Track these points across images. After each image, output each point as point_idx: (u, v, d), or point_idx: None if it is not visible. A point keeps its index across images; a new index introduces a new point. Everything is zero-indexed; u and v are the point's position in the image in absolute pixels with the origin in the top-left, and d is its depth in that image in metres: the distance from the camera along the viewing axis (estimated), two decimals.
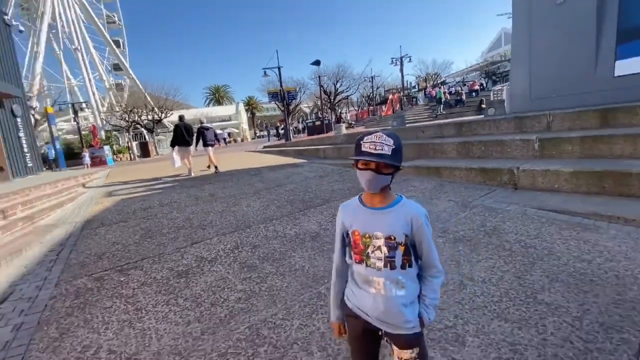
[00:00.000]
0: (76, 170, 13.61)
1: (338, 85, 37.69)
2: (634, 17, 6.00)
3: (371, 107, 39.08)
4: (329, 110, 37.66)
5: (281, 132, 25.11)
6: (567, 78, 6.84)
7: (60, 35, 36.17)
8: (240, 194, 5.70)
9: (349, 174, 6.68)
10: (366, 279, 1.05)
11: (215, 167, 9.03)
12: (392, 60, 32.04)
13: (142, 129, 32.53)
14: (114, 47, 40.82)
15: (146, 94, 33.88)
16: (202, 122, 9.62)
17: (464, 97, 22.17)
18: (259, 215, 4.28)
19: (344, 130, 15.49)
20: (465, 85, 27.23)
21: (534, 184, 4.07)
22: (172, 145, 8.84)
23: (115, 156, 27.08)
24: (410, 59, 31.20)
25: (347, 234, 1.11)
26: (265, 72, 20.32)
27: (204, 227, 4.03)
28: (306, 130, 24.55)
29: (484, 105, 14.54)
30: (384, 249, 1.01)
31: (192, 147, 9.22)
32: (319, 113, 36.15)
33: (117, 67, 42.38)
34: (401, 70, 31.51)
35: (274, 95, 23.92)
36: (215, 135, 9.84)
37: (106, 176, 11.38)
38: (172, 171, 9.34)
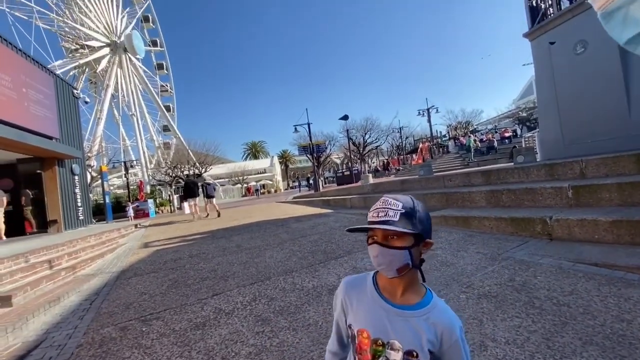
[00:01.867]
0: (119, 223, 14.73)
1: (367, 136, 38.88)
2: None
3: (401, 157, 39.30)
4: (359, 161, 38.43)
5: (311, 182, 25.88)
6: (599, 123, 6.62)
7: (120, 103, 41.83)
8: (265, 245, 5.81)
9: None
10: None
11: (218, 213, 11.99)
12: (419, 112, 32.85)
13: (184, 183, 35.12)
14: (165, 111, 46.12)
15: (189, 150, 37.09)
16: (205, 180, 12.29)
17: (495, 144, 21.74)
18: (280, 267, 4.31)
19: (371, 180, 15.58)
20: (497, 132, 26.83)
21: (570, 234, 3.78)
22: (184, 197, 11.59)
23: (157, 208, 28.98)
24: (437, 110, 31.79)
25: (350, 327, 0.85)
26: (295, 128, 21.67)
27: (227, 278, 4.12)
28: (335, 180, 25.03)
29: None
30: None
31: (197, 198, 12.02)
32: (349, 163, 37.00)
33: (166, 129, 47.39)
34: (429, 120, 32.02)
35: (304, 149, 25.14)
36: (214, 188, 12.74)
37: (142, 235, 12.16)
38: (200, 226, 9.80)
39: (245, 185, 49.38)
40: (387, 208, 0.76)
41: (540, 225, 4.10)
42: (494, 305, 2.48)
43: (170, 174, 33.31)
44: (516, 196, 5.16)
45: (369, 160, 46.24)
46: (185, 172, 33.73)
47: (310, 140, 22.53)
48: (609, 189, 4.07)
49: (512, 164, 8.80)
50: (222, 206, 22.22)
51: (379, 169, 34.97)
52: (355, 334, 0.81)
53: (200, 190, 11.95)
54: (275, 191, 49.34)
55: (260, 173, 55.65)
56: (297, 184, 37.12)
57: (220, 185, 47.91)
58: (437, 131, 41.10)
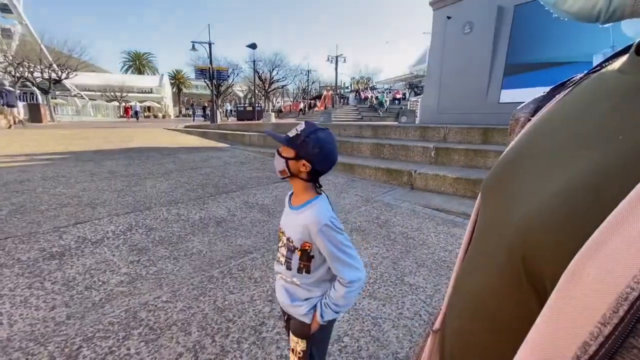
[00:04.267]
0: None
1: (274, 73, 37.04)
2: (519, 55, 7.29)
3: (305, 101, 39.48)
4: (263, 98, 36.79)
5: (208, 112, 23.60)
6: (465, 99, 7.98)
7: None
8: (147, 174, 5.23)
9: (271, 162, 6.68)
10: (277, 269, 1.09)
11: (18, 122, 10.98)
12: (329, 58, 32.80)
13: (34, 89, 26.94)
14: None
15: (43, 46, 28.12)
16: (3, 85, 10.62)
17: (387, 103, 23.99)
18: (163, 198, 4.00)
19: (273, 119, 15.34)
20: (390, 92, 29.44)
21: (426, 185, 4.68)
22: None
23: None
24: (345, 60, 32.34)
25: None
26: (194, 45, 18.75)
27: (95, 206, 3.60)
28: (236, 115, 23.54)
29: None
30: (284, 249, 1.02)
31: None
32: (252, 98, 35.07)
33: (5, 8, 34.00)
34: (336, 69, 32.47)
35: (202, 72, 22.30)
36: (16, 96, 11.56)
37: None
38: (56, 144, 8.04)
39: (123, 104, 41.07)
40: (295, 130, 0.96)
41: (407, 177, 4.91)
42: (361, 237, 2.95)
43: (13, 74, 25.01)
44: (394, 150, 5.97)
45: (274, 98, 44.76)
46: (37, 75, 25.86)
47: (211, 63, 20.00)
48: (459, 153, 5.11)
49: (397, 122, 9.96)
50: (93, 126, 18.54)
51: (283, 110, 34.42)
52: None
53: None
54: (164, 116, 43.04)
55: (146, 92, 47.07)
56: (191, 112, 33.06)
57: (90, 99, 38.95)
58: (341, 81, 42.34)
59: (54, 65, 26.83)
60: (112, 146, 8.35)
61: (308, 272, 0.99)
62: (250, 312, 1.84)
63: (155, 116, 42.11)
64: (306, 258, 0.97)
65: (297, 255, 0.98)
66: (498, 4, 7.37)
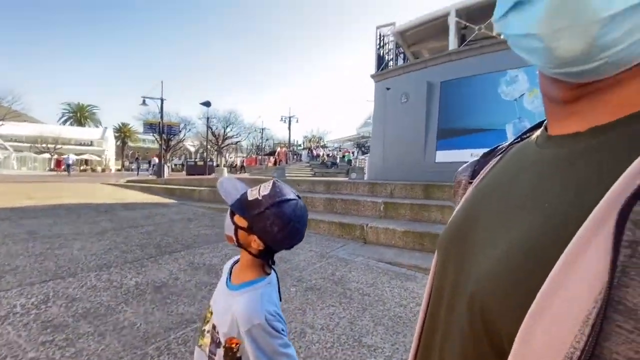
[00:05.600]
0: None
1: (228, 129, 37.52)
2: (448, 122, 8.39)
3: (259, 157, 39.98)
4: (215, 153, 36.50)
5: (154, 166, 22.50)
6: (406, 158, 8.77)
7: None
8: (75, 234, 4.63)
9: (223, 219, 6.40)
10: None
11: None
12: (282, 118, 34.50)
13: None
14: None
15: None
16: None
17: (338, 160, 25.37)
18: (93, 261, 3.52)
19: (225, 174, 15.09)
20: (340, 151, 31.32)
21: (377, 239, 4.79)
22: None
23: None
24: (297, 120, 34.28)
25: None
26: (144, 100, 18.50)
27: (3, 274, 3.03)
28: (185, 169, 22.74)
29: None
30: (208, 337, 0.81)
31: None
32: (204, 153, 34.56)
33: None
34: (289, 128, 34.10)
35: (151, 127, 21.76)
36: None
37: None
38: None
39: (55, 156, 37.40)
40: (251, 190, 0.82)
41: (359, 231, 5.02)
42: (316, 296, 2.84)
43: None
44: (346, 205, 6.15)
45: (227, 154, 44.63)
46: None
47: (162, 118, 19.69)
48: (405, 207, 5.43)
49: (347, 178, 10.44)
50: (15, 180, 16.52)
51: (236, 164, 34.25)
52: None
53: None
54: (103, 170, 39.86)
55: (86, 145, 43.94)
56: (135, 165, 31.10)
57: (15, 150, 35.08)
58: (294, 140, 44.21)
59: None
60: (34, 202, 7.38)
61: None
62: None
63: (94, 170, 38.87)
64: (232, 358, 0.76)
65: (220, 353, 0.77)
66: (427, 79, 8.65)
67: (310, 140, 49.46)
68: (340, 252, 4.36)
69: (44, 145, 38.37)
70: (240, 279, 0.83)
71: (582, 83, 0.28)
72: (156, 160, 21.45)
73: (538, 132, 0.38)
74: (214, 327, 0.80)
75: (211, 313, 0.84)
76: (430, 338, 0.39)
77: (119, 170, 42.85)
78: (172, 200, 9.15)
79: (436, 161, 8.28)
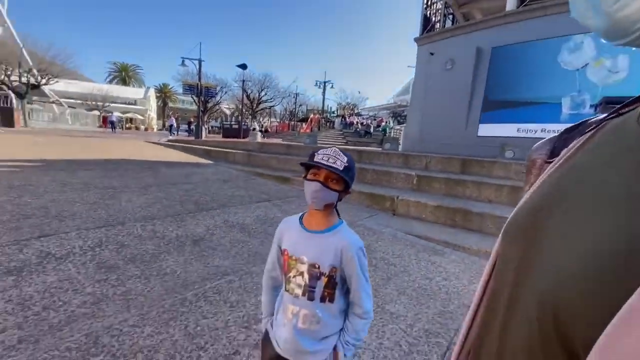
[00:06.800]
0: None
1: (262, 93, 37.53)
2: (495, 93, 7.75)
3: (292, 122, 39.96)
4: (250, 117, 36.99)
5: (192, 127, 23.34)
6: (446, 130, 8.32)
7: None
8: (123, 187, 5.03)
9: (255, 182, 6.61)
10: (284, 306, 0.99)
11: None
12: (317, 83, 33.72)
13: (9, 92, 25.90)
14: None
15: (23, 48, 27.36)
16: None
17: (371, 130, 24.68)
18: (139, 213, 3.83)
19: (259, 139, 15.35)
20: (375, 120, 30.36)
21: (408, 212, 4.73)
22: None
23: None
24: (332, 86, 33.33)
25: (280, 249, 1.04)
26: (184, 61, 18.82)
27: (63, 218, 3.39)
28: (222, 132, 23.42)
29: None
30: (306, 277, 0.93)
31: None
32: (239, 117, 35.16)
33: None
34: (323, 93, 33.37)
35: (190, 88, 22.26)
36: None
37: None
38: (26, 151, 7.69)
39: (104, 114, 39.93)
40: (337, 158, 0.91)
41: (389, 202, 4.97)
42: None
43: None
44: (378, 176, 6.06)
45: (261, 118, 45.05)
46: (14, 78, 24.95)
47: (200, 79, 20.05)
48: (440, 181, 5.24)
49: (381, 149, 10.20)
50: (69, 135, 17.96)
51: (269, 129, 34.58)
52: (282, 253, 1.02)
53: None
54: (147, 129, 42.20)
55: (130, 104, 46.33)
56: (168, 125, 32.15)
57: (69, 107, 37.78)
58: (328, 106, 43.38)
59: (34, 70, 26.05)
60: (87, 156, 8.04)
61: (332, 300, 0.95)
62: (223, 339, 1.74)
63: (137, 128, 41.26)
64: (331, 285, 0.94)
65: (322, 283, 0.93)
66: (477, 45, 7.90)
67: (344, 108, 48.32)
68: (368, 222, 4.37)
69: (93, 102, 40.98)
70: (326, 225, 0.97)
71: None
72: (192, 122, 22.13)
73: None
74: (313, 266, 0.93)
75: (296, 260, 0.96)
76: (491, 318, 0.36)
77: (160, 129, 45.10)
78: (208, 161, 9.54)
79: (478, 135, 7.79)
